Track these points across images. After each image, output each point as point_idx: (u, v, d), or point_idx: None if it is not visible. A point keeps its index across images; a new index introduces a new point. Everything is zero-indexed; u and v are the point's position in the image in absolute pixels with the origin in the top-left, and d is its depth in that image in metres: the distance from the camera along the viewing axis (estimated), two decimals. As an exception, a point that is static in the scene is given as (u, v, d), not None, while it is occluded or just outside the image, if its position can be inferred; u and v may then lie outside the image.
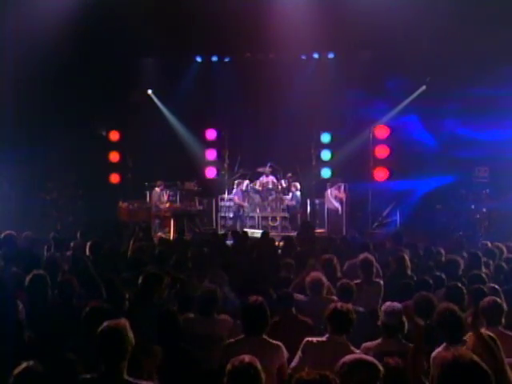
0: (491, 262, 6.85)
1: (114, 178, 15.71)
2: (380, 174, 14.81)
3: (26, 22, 10.97)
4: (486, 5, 11.09)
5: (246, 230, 12.37)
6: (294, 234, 11.11)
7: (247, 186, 14.75)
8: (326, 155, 15.56)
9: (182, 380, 3.86)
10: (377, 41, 12.45)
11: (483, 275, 5.80)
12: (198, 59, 15.64)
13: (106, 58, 13.50)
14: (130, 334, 3.28)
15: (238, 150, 15.70)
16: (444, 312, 4.08)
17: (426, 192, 14.01)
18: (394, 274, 6.41)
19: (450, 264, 6.48)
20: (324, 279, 5.47)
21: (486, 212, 13.09)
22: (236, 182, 14.86)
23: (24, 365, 3.17)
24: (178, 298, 5.33)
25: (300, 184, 14.53)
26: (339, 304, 4.28)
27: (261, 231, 11.57)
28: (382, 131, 14.83)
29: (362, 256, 6.18)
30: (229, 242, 9.59)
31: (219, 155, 16.09)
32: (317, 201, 14.91)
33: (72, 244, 7.96)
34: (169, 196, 14.32)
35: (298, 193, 14.37)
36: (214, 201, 15.17)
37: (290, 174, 14.79)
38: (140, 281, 5.15)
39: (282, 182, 14.81)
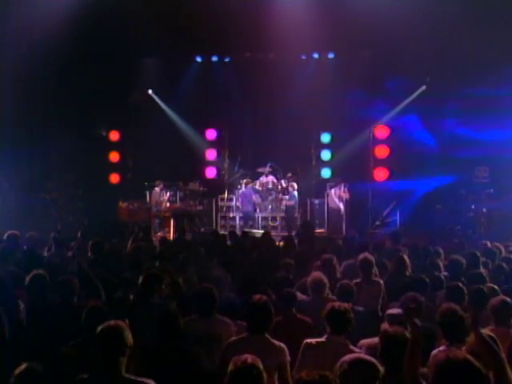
0: (490, 262, 6.85)
1: (114, 178, 15.72)
2: (380, 174, 14.80)
3: (26, 22, 10.99)
4: (486, 5, 11.09)
5: (246, 230, 12.38)
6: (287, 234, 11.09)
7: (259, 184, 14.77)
8: (326, 155, 15.57)
9: (182, 380, 3.85)
10: (377, 41, 12.43)
11: (484, 274, 5.80)
12: (198, 59, 15.65)
13: (106, 57, 13.51)
14: (129, 334, 3.34)
15: (238, 150, 15.71)
16: (446, 312, 4.08)
17: (425, 192, 13.99)
18: (393, 274, 6.40)
19: (453, 264, 6.47)
20: (325, 279, 5.45)
21: (486, 212, 13.10)
22: (244, 181, 14.79)
23: (24, 365, 3.20)
24: (177, 298, 5.32)
25: (297, 184, 14.51)
26: (337, 304, 4.26)
27: (261, 231, 11.57)
28: (382, 131, 14.82)
29: (361, 256, 6.16)
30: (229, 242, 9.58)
31: (219, 155, 16.09)
32: (316, 201, 14.89)
33: (73, 244, 7.96)
34: (169, 196, 14.32)
35: (296, 193, 14.36)
36: (214, 201, 15.15)
37: (289, 174, 14.79)
38: (140, 281, 5.15)
39: (282, 182, 14.81)
